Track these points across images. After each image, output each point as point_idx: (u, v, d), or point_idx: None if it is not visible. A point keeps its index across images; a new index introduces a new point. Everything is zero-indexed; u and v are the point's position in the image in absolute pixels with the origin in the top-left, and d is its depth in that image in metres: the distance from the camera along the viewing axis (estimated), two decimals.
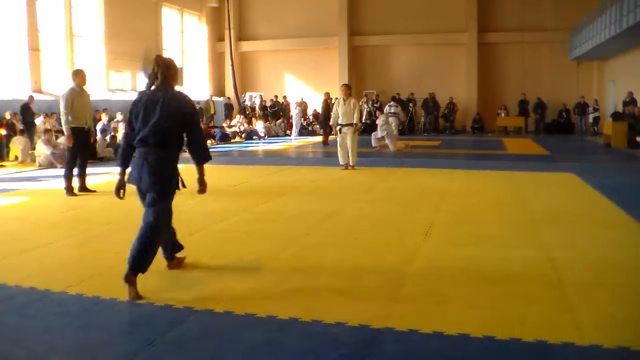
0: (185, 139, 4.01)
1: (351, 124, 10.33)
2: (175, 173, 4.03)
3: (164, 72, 3.99)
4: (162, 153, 3.91)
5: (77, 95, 7.89)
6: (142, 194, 4.03)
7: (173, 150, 3.98)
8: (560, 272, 4.16)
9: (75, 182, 8.00)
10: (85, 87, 8.12)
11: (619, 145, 15.42)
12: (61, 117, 7.90)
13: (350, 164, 10.48)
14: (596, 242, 5.12)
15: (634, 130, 15.37)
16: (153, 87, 4.00)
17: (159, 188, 3.95)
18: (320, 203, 7.20)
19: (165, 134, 3.87)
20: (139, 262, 3.77)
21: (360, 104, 23.11)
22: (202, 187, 4.16)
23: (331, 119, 10.77)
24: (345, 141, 10.44)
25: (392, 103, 17.83)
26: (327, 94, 18.25)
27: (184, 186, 4.13)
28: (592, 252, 4.76)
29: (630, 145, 15.12)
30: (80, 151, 8.04)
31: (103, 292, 3.77)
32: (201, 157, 4.08)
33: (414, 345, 2.96)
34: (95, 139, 8.52)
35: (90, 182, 8.45)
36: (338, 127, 10.41)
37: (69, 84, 8.26)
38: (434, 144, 17.74)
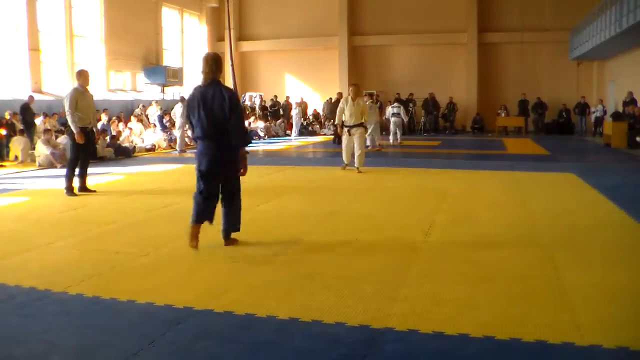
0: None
1: (359, 125, 9.94)
2: (236, 154, 4.83)
3: (213, 69, 4.72)
4: (222, 143, 4.69)
5: (80, 95, 7.92)
6: (207, 178, 4.78)
7: (230, 139, 4.71)
8: (560, 272, 4.16)
9: (76, 182, 8.01)
10: (88, 88, 8.16)
11: (619, 145, 15.42)
12: (67, 116, 7.90)
13: (356, 165, 10.03)
14: (596, 242, 5.12)
15: (634, 130, 15.37)
16: (204, 83, 4.71)
17: (232, 168, 4.84)
18: (320, 203, 7.20)
19: (221, 128, 4.65)
20: (238, 223, 4.98)
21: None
22: (242, 169, 4.92)
23: (337, 119, 10.24)
24: (351, 142, 10.00)
25: (395, 104, 18.26)
26: (340, 93, 18.30)
27: (243, 171, 4.95)
28: (592, 252, 4.76)
29: (630, 145, 15.12)
30: (83, 151, 8.05)
31: (103, 292, 3.76)
32: (239, 141, 4.78)
33: (414, 345, 2.96)
34: (98, 139, 8.67)
35: (90, 182, 8.45)
36: (345, 128, 9.99)
37: (69, 84, 8.31)
38: (434, 144, 17.74)
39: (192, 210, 4.89)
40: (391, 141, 16.95)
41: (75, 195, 7.88)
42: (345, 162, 10.27)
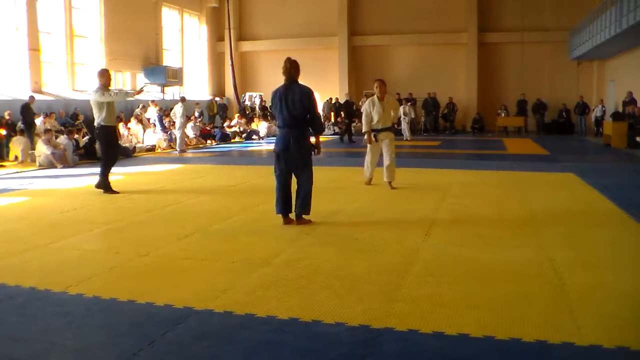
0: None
1: (389, 129, 8.32)
2: (310, 143, 5.85)
3: (293, 71, 5.75)
4: (300, 131, 5.72)
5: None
6: (285, 160, 5.80)
7: (306, 128, 5.81)
8: (560, 272, 4.16)
9: (90, 180, 8.14)
10: (110, 87, 8.30)
11: (619, 145, 15.42)
12: (98, 117, 7.98)
13: (386, 179, 8.25)
14: (596, 242, 5.12)
15: (634, 130, 15.37)
16: (285, 83, 5.73)
17: (305, 155, 5.79)
18: (320, 203, 7.17)
19: (299, 118, 5.68)
20: (308, 205, 5.83)
21: (360, 103, 23.37)
22: (318, 150, 5.95)
23: (364, 124, 8.33)
24: (378, 150, 8.34)
25: (409, 104, 20.08)
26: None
27: (318, 152, 5.98)
28: (592, 252, 4.76)
29: (630, 145, 15.13)
30: (111, 150, 8.21)
31: (103, 292, 3.76)
32: (317, 130, 5.97)
33: (414, 345, 2.96)
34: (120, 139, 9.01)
35: (90, 182, 8.46)
36: (373, 134, 8.24)
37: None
38: (434, 144, 17.75)
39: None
40: (408, 138, 18.89)
41: (117, 192, 7.98)
42: (367, 175, 8.56)
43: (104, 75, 8.18)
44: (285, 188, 5.86)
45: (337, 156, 10.97)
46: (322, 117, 23.49)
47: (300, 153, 5.75)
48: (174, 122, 15.64)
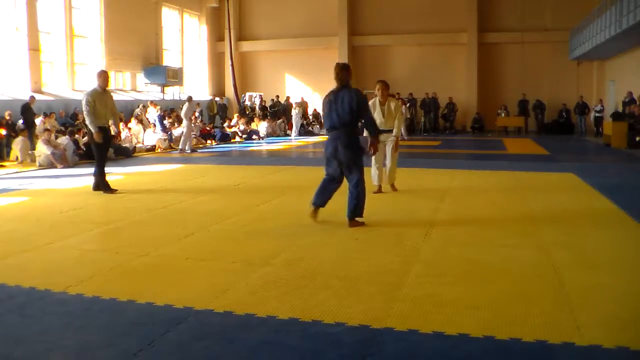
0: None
1: (391, 131, 8.01)
2: (359, 145, 5.83)
3: (340, 76, 5.74)
4: (348, 134, 5.72)
5: (99, 96, 8.08)
6: (335, 164, 5.82)
7: (355, 130, 5.83)
8: (560, 272, 4.16)
9: (91, 180, 8.17)
10: (107, 88, 8.34)
11: (619, 145, 15.43)
12: (85, 116, 8.11)
13: (387, 182, 8.16)
14: (596, 242, 5.12)
15: (634, 130, 15.37)
16: (336, 87, 5.75)
17: (355, 157, 5.77)
18: None
19: (347, 122, 5.68)
20: (360, 208, 5.83)
21: None
22: (375, 149, 6.04)
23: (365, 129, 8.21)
24: (382, 149, 7.95)
25: (406, 105, 20.67)
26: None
27: (374, 151, 6.10)
28: (592, 252, 4.76)
29: (630, 145, 15.13)
30: (103, 149, 8.28)
31: (103, 292, 3.76)
32: (371, 130, 5.95)
33: (414, 345, 2.96)
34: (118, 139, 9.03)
35: (90, 181, 8.45)
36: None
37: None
38: (434, 144, 17.75)
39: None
40: (404, 137, 18.27)
41: (115, 191, 8.03)
42: (375, 183, 8.02)
43: (102, 77, 8.23)
44: (329, 186, 5.93)
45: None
46: (322, 117, 23.74)
47: (349, 155, 5.72)
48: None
